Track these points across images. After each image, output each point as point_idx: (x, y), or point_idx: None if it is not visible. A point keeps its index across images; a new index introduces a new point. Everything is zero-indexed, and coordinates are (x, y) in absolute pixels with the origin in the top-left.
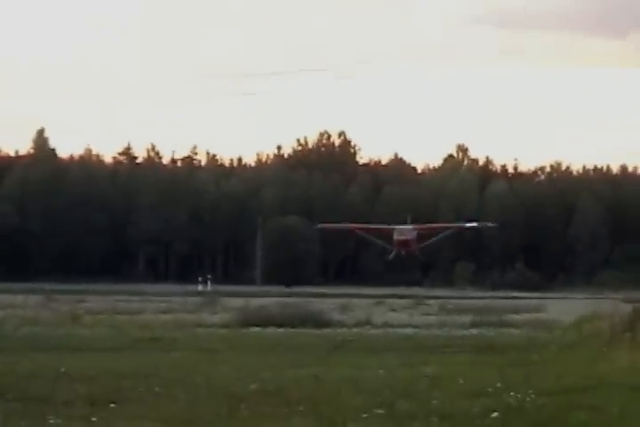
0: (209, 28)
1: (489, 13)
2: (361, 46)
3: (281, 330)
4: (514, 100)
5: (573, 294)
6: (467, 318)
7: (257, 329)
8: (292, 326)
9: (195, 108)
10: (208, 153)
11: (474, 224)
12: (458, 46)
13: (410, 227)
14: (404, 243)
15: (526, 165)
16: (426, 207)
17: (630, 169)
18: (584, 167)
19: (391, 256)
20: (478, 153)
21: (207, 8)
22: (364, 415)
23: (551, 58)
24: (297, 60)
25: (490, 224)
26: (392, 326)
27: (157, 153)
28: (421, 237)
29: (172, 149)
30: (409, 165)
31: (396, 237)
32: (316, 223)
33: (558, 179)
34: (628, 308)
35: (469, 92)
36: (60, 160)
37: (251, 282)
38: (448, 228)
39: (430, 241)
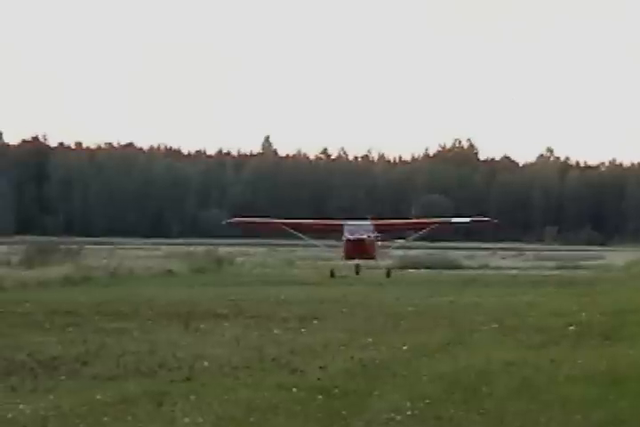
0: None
1: None
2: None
3: (428, 271)
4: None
5: (625, 248)
6: (552, 264)
7: (411, 270)
8: (435, 268)
9: (373, 114)
10: (379, 152)
11: (463, 220)
12: None
13: (366, 223)
14: (358, 245)
15: (592, 160)
16: (522, 193)
17: None
18: (632, 163)
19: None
20: (560, 152)
21: None
22: (484, 328)
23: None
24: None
25: (486, 219)
26: (502, 268)
27: (345, 152)
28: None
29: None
30: (513, 160)
31: (346, 235)
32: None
33: (614, 170)
34: None
35: (555, 102)
36: (280, 157)
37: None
38: (424, 225)
39: (399, 242)
